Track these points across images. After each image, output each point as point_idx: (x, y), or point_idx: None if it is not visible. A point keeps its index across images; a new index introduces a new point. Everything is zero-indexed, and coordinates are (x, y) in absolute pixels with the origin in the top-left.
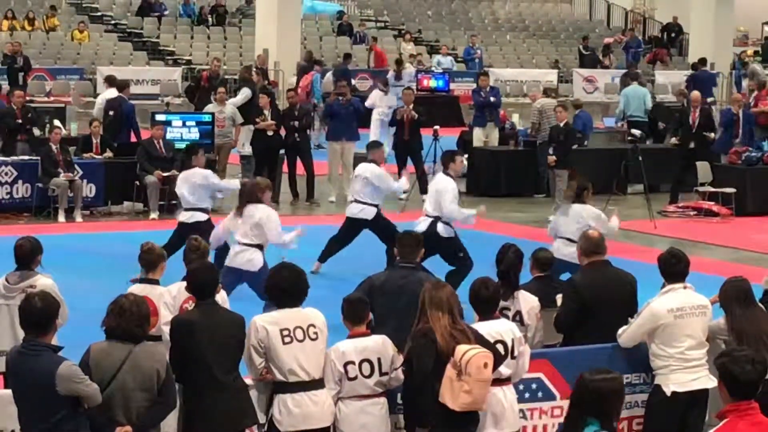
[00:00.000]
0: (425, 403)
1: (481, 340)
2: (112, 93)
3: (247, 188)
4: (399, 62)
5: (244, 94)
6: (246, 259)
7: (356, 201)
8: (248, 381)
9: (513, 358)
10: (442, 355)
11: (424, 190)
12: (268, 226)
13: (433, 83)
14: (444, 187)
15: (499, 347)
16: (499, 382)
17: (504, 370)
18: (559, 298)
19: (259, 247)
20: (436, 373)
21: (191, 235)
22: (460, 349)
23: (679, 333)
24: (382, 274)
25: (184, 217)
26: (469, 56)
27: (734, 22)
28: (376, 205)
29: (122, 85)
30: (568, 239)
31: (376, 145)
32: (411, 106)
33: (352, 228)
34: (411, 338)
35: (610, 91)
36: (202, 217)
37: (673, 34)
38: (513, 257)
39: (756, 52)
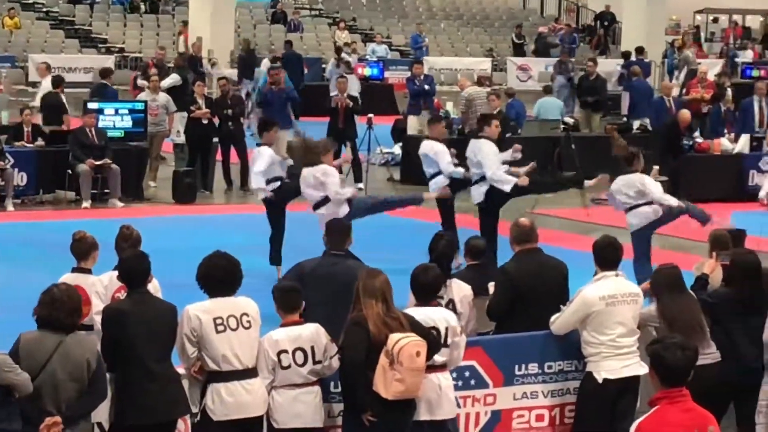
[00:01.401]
0: (360, 392)
1: (416, 327)
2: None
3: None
4: (339, 50)
5: (173, 78)
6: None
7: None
8: (181, 370)
9: (446, 346)
10: (375, 343)
11: (358, 178)
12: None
13: (367, 72)
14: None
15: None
16: (433, 368)
17: (438, 357)
18: (491, 286)
19: None
20: (369, 361)
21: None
22: (393, 337)
23: (610, 320)
24: (311, 261)
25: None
26: (416, 44)
27: (666, 11)
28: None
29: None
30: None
31: (435, 120)
32: (345, 94)
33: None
34: (344, 327)
35: (544, 79)
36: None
37: (606, 23)
38: (445, 246)
39: (688, 41)
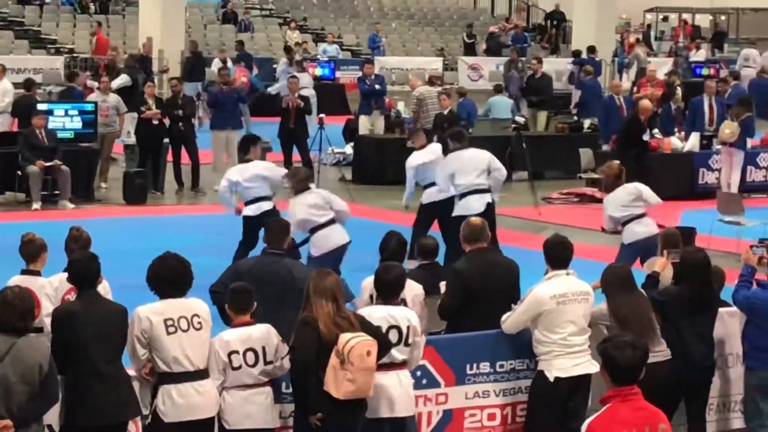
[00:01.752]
0: (310, 392)
1: (366, 327)
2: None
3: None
4: (288, 50)
5: (123, 79)
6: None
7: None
8: (131, 372)
9: (407, 345)
10: (325, 343)
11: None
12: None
13: (318, 71)
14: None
15: (393, 332)
16: (393, 366)
17: (398, 355)
18: (443, 285)
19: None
20: (320, 361)
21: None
22: (343, 337)
23: (561, 319)
24: (249, 260)
25: (250, 210)
26: (374, 44)
27: (616, 10)
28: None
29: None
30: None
31: (416, 131)
32: (296, 95)
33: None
34: (295, 328)
35: (495, 78)
36: (268, 206)
37: (556, 22)
38: (396, 245)
39: (637, 40)
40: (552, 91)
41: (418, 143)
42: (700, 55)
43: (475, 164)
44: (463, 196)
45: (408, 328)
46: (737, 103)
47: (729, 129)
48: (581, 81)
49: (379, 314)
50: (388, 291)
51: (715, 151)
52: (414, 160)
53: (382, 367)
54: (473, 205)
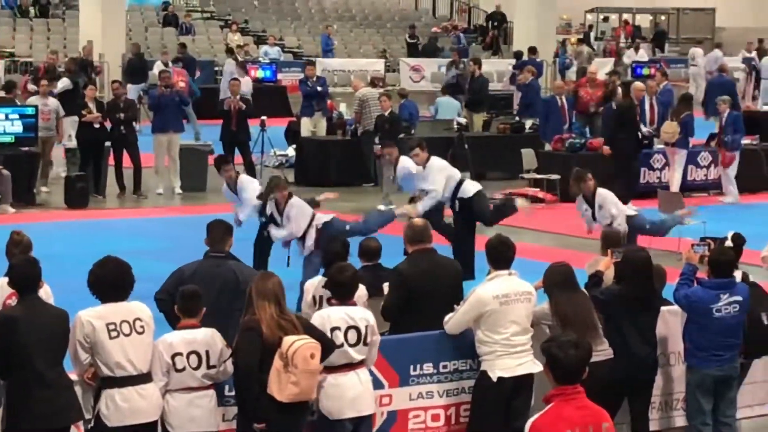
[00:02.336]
0: (253, 396)
1: (309, 329)
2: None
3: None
4: (230, 52)
5: (64, 83)
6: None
7: None
8: (73, 376)
9: (365, 344)
10: (268, 345)
11: None
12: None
13: (260, 74)
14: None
15: (352, 333)
16: (352, 366)
17: (357, 355)
18: (386, 286)
19: None
20: (263, 364)
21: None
22: (287, 340)
23: (504, 319)
24: (192, 264)
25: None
26: (327, 46)
27: (557, 11)
28: None
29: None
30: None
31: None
32: (238, 96)
33: None
34: (238, 331)
35: (437, 80)
36: None
37: (496, 23)
38: (339, 248)
39: (579, 40)
40: (487, 93)
41: (394, 155)
42: (641, 55)
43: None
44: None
45: (366, 327)
46: (678, 102)
47: (669, 129)
48: (519, 82)
49: (337, 315)
50: (343, 291)
51: (656, 150)
52: (412, 165)
53: (341, 367)
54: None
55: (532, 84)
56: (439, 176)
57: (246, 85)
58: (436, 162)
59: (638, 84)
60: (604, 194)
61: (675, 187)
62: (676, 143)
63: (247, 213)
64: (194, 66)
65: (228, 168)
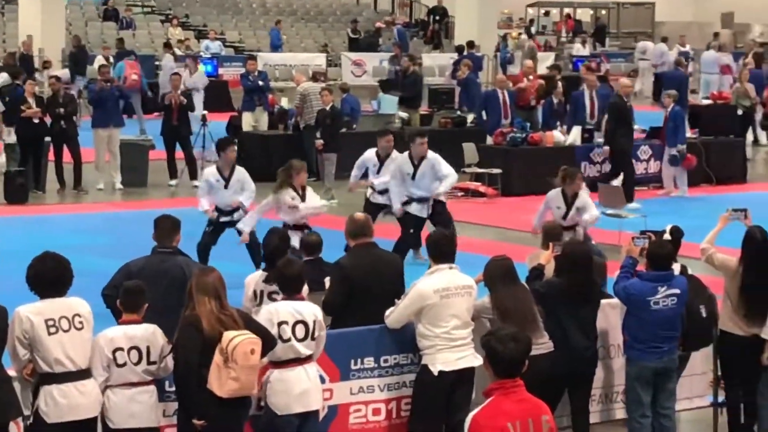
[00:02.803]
0: (193, 392)
1: (250, 324)
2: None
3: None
4: (169, 46)
5: (2, 78)
6: None
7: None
8: (12, 372)
9: (313, 339)
10: (209, 341)
11: (193, 176)
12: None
13: (201, 68)
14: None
15: (300, 327)
16: (300, 361)
17: (305, 350)
18: (327, 281)
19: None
20: (203, 359)
21: None
22: (227, 335)
23: (444, 313)
24: (140, 260)
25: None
26: (278, 40)
27: (498, 5)
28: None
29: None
30: None
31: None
32: (179, 91)
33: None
34: (178, 326)
35: (379, 74)
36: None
37: (438, 18)
38: (277, 242)
39: (520, 35)
40: (421, 89)
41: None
42: (576, 49)
43: None
44: None
45: (314, 322)
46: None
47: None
48: (458, 77)
49: (285, 309)
50: (291, 286)
51: (597, 144)
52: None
53: (289, 362)
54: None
55: (470, 78)
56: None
57: (200, 78)
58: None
59: (625, 80)
60: (586, 199)
61: (618, 180)
62: None
63: (250, 202)
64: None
65: (233, 150)
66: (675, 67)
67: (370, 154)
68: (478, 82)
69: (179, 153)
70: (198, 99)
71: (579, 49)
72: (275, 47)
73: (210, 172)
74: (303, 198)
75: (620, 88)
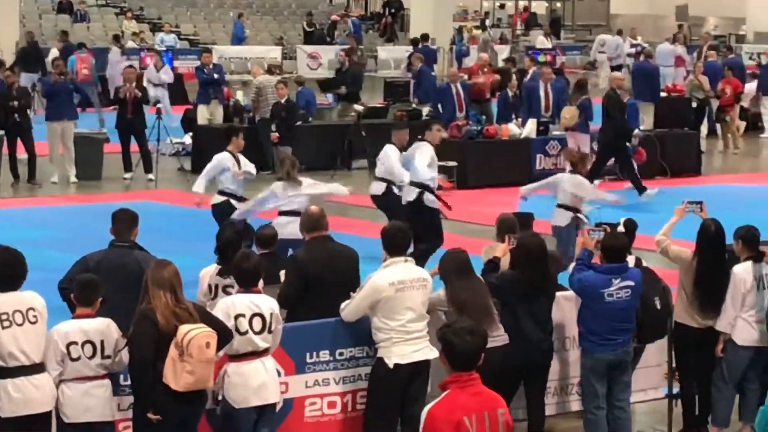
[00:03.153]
0: (148, 386)
1: (206, 318)
2: None
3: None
4: (117, 39)
5: None
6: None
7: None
8: None
9: (270, 332)
10: (164, 334)
11: (148, 169)
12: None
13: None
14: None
15: (257, 320)
16: (257, 354)
17: (262, 343)
18: (282, 274)
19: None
20: (159, 353)
21: None
22: (182, 329)
23: (400, 306)
24: (97, 254)
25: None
26: (242, 33)
27: None
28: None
29: None
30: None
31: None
32: (134, 84)
33: None
34: (133, 320)
35: (335, 67)
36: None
37: (393, 10)
38: (231, 234)
39: (475, 27)
40: (361, 84)
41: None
42: (539, 42)
43: None
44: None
45: (271, 315)
46: (574, 88)
47: (567, 114)
48: (413, 69)
49: (242, 302)
50: (247, 279)
51: (552, 137)
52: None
53: (246, 356)
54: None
55: (422, 71)
56: None
57: (166, 74)
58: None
59: (616, 74)
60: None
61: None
62: (576, 128)
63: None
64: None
65: (240, 138)
66: (645, 60)
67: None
68: (432, 75)
69: (134, 146)
70: (165, 94)
71: (543, 41)
72: (239, 40)
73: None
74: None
75: (611, 82)
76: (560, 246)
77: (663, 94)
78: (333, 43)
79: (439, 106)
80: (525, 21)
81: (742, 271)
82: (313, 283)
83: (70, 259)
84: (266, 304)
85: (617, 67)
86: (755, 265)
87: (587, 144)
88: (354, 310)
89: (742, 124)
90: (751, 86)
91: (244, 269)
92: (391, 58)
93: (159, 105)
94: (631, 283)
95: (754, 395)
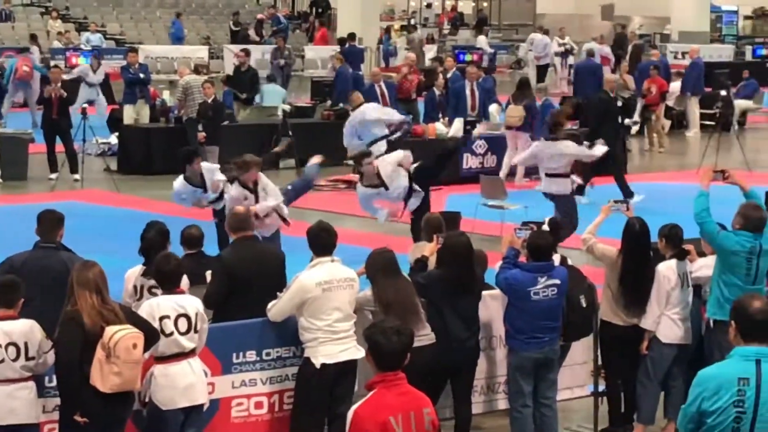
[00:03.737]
0: (75, 388)
1: (132, 319)
2: None
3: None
4: (34, 38)
5: None
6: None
7: None
8: None
9: (196, 332)
10: (90, 336)
11: (74, 169)
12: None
13: (82, 61)
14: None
15: (183, 321)
16: (183, 355)
17: (188, 343)
18: (208, 274)
19: None
20: (85, 355)
21: None
22: (109, 330)
23: (327, 306)
24: (21, 254)
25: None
26: (181, 32)
27: None
28: None
29: None
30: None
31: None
32: (59, 84)
33: None
34: (59, 322)
35: (261, 66)
36: None
37: (320, 10)
38: (154, 235)
39: (403, 26)
40: (257, 86)
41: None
42: (481, 42)
43: None
44: None
45: (196, 315)
46: (517, 87)
47: (514, 113)
48: (336, 70)
49: (166, 303)
50: (169, 281)
51: (479, 135)
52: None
53: (172, 357)
54: None
55: (338, 72)
56: None
57: (102, 75)
58: None
59: (610, 75)
60: None
61: (520, 172)
62: (520, 127)
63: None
64: None
65: (199, 161)
66: (587, 58)
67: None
68: (359, 74)
69: (60, 146)
70: (100, 93)
71: (483, 41)
72: (178, 39)
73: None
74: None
75: (605, 83)
76: (565, 215)
77: None
78: (261, 43)
79: None
80: (452, 20)
81: (666, 269)
82: (240, 283)
83: None
84: (191, 304)
85: (544, 67)
86: (679, 263)
87: (528, 143)
88: (281, 310)
89: (668, 123)
90: (676, 85)
91: (163, 272)
92: (318, 57)
93: (84, 105)
94: (557, 281)
95: (679, 392)
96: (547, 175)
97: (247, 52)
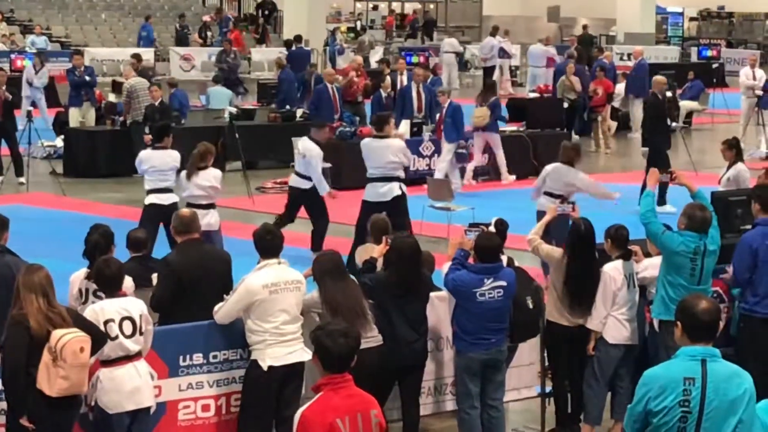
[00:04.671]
0: (21, 392)
1: (79, 322)
2: None
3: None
4: None
5: None
6: (206, 222)
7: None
8: None
9: (141, 334)
10: (37, 339)
11: (19, 172)
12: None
13: (27, 63)
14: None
15: (127, 324)
16: (129, 358)
17: (133, 346)
18: (154, 277)
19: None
20: (32, 359)
21: None
22: (56, 334)
23: (274, 308)
24: None
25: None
26: (151, 36)
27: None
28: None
29: None
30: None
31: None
32: (4, 87)
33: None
34: (5, 326)
35: (207, 69)
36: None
37: (267, 12)
38: (98, 237)
39: (349, 29)
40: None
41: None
42: (449, 44)
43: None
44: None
45: (141, 317)
46: (483, 88)
47: (480, 114)
48: (282, 72)
49: (110, 307)
50: (111, 285)
51: (427, 138)
52: None
53: (118, 360)
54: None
55: (281, 77)
56: None
57: (46, 77)
58: None
59: (659, 77)
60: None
61: (504, 168)
62: (488, 128)
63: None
64: None
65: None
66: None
67: None
68: (300, 77)
69: (5, 149)
70: (42, 96)
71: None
72: (150, 42)
73: None
74: None
75: (654, 85)
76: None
77: (535, 95)
78: (206, 45)
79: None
80: (408, 22)
81: (612, 269)
82: (186, 285)
83: None
84: (135, 306)
85: (490, 68)
86: (625, 263)
87: (499, 143)
88: (227, 312)
89: (614, 124)
90: (621, 87)
91: (104, 276)
92: (265, 59)
93: (30, 108)
94: (503, 283)
95: (626, 393)
96: (546, 193)
97: (139, 58)
